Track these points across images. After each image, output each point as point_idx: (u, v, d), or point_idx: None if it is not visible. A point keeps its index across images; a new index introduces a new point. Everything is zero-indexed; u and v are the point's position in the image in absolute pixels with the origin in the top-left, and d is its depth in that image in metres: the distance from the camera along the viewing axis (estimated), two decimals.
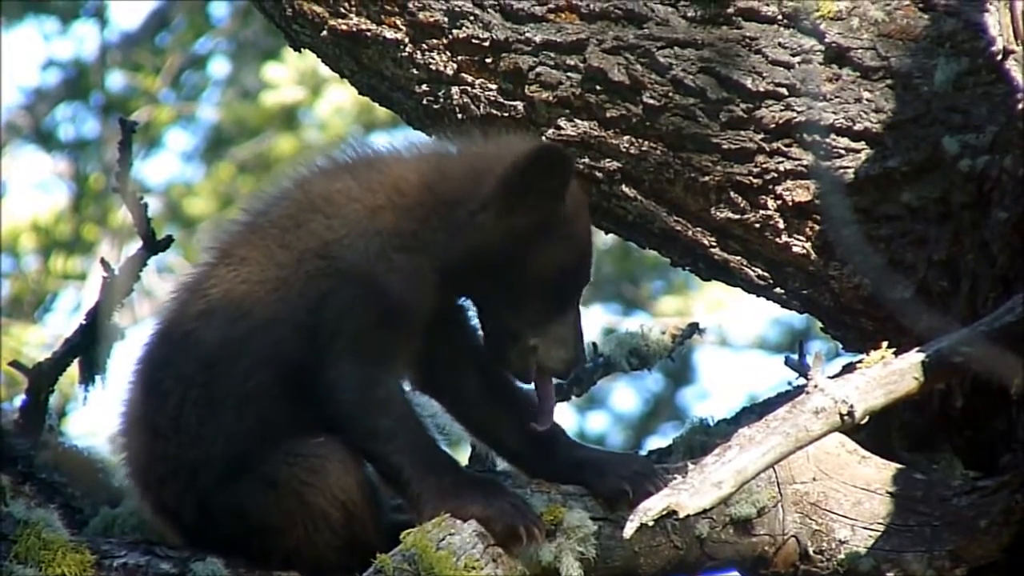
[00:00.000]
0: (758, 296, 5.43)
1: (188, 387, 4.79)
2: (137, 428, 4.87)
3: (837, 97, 5.19)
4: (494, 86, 5.35)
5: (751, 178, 5.24)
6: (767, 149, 5.22)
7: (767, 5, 5.24)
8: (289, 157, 13.74)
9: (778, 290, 5.37)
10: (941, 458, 5.14)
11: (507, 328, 4.85)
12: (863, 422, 4.58)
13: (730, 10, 5.24)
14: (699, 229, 5.35)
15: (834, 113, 5.19)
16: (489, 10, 5.31)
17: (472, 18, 5.32)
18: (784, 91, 5.21)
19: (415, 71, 5.39)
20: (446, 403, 5.01)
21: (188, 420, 4.78)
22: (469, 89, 5.36)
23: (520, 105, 5.34)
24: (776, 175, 5.23)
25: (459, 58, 5.35)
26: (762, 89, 5.21)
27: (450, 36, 5.34)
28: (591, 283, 4.95)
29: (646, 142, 5.28)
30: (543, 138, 5.29)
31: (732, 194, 5.26)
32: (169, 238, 5.59)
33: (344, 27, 5.40)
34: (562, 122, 5.31)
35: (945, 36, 5.16)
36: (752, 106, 5.21)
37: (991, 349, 4.61)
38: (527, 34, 5.30)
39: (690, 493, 4.39)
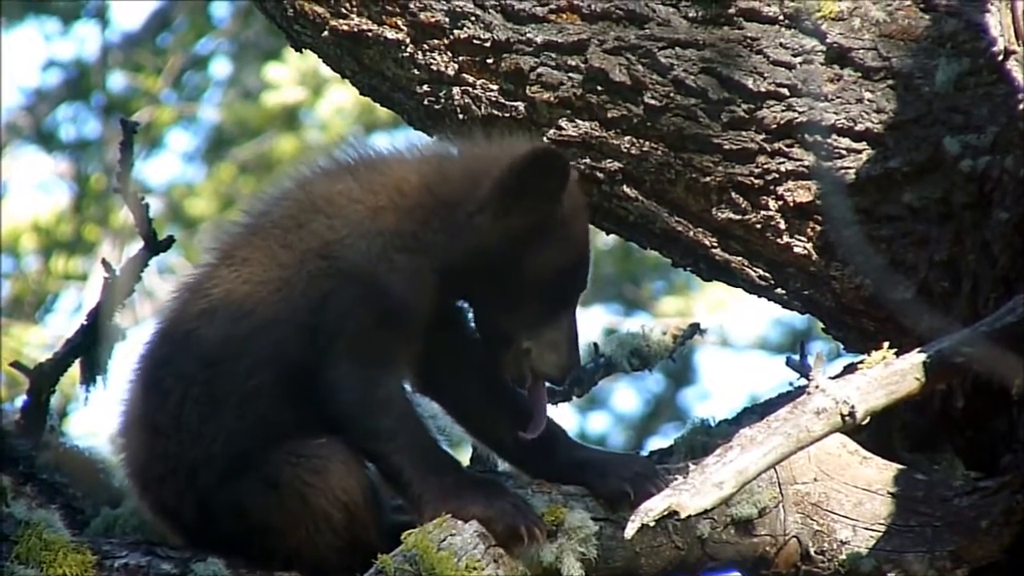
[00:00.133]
0: (759, 297, 5.43)
1: (189, 385, 4.79)
2: (137, 427, 4.87)
3: (838, 97, 5.19)
4: (495, 87, 5.35)
5: (752, 179, 5.24)
6: (768, 149, 5.23)
7: (768, 6, 5.24)
8: (290, 158, 13.74)
9: (779, 291, 5.37)
10: (942, 459, 5.14)
11: (502, 331, 4.85)
12: (864, 423, 4.58)
13: (731, 10, 5.24)
14: (700, 230, 5.35)
15: (835, 113, 5.19)
16: (490, 11, 5.31)
17: (473, 19, 5.32)
18: (785, 91, 5.21)
19: (416, 71, 5.39)
20: (446, 404, 5.01)
21: (189, 418, 4.78)
22: (470, 90, 5.37)
23: (521, 106, 5.34)
24: (777, 175, 5.23)
25: (460, 59, 5.36)
26: (763, 89, 5.21)
27: (451, 37, 5.34)
28: (592, 283, 4.95)
29: (647, 142, 5.28)
30: (544, 139, 5.29)
31: (733, 195, 5.26)
32: (170, 239, 5.59)
33: (345, 27, 5.40)
34: (563, 123, 5.32)
35: (946, 36, 5.16)
36: (753, 106, 5.21)
37: (992, 349, 4.61)
38: (528, 35, 5.30)
39: (691, 494, 4.39)
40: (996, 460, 5.07)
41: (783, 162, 5.23)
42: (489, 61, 5.33)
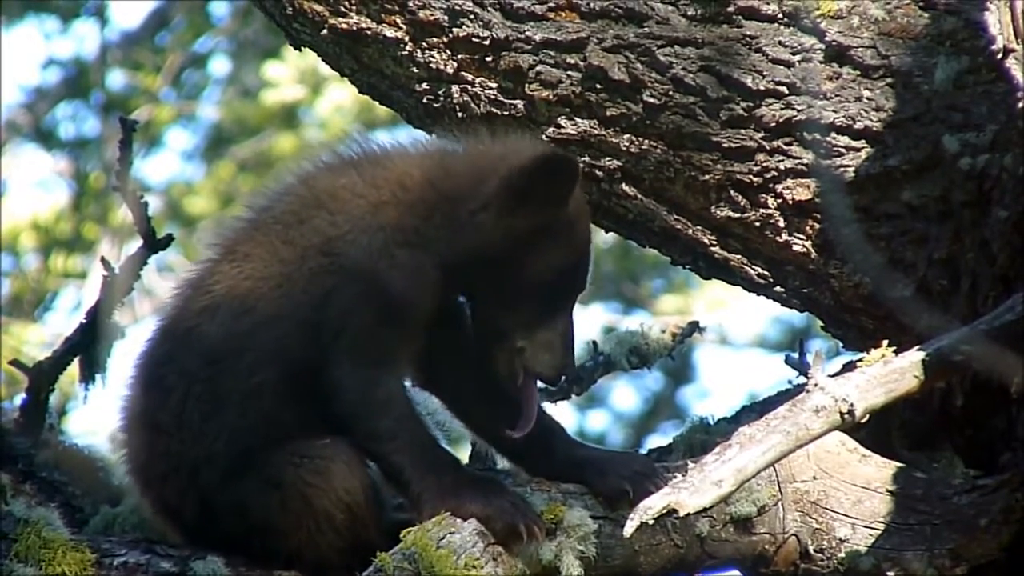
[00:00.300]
0: (758, 295, 5.43)
1: (191, 383, 4.78)
2: (138, 425, 4.86)
3: (837, 95, 5.19)
4: (494, 85, 5.35)
5: (751, 176, 5.24)
6: (767, 147, 5.22)
7: (767, 4, 5.24)
8: (289, 156, 13.74)
9: (778, 289, 5.37)
10: (941, 457, 5.14)
11: (498, 327, 4.84)
12: (863, 421, 4.58)
13: (730, 8, 5.24)
14: (699, 227, 5.35)
15: (834, 111, 5.19)
16: (489, 8, 5.31)
17: (472, 16, 5.32)
18: (784, 89, 5.21)
19: (415, 69, 5.39)
20: (446, 400, 5.01)
21: (191, 416, 4.77)
22: (469, 87, 5.36)
23: (520, 104, 5.34)
24: (776, 173, 5.23)
25: (459, 56, 5.35)
26: (762, 87, 5.21)
27: (450, 34, 5.34)
28: (591, 281, 4.95)
29: (646, 140, 5.28)
30: (543, 137, 5.29)
31: (732, 192, 5.26)
32: (169, 237, 5.59)
33: (344, 25, 5.40)
34: (562, 120, 5.31)
35: (945, 34, 5.16)
36: (752, 104, 5.21)
37: (991, 347, 4.61)
38: (527, 33, 5.30)
39: (690, 492, 4.39)
40: (995, 458, 5.07)
41: (782, 160, 5.23)
42: (488, 59, 5.33)
